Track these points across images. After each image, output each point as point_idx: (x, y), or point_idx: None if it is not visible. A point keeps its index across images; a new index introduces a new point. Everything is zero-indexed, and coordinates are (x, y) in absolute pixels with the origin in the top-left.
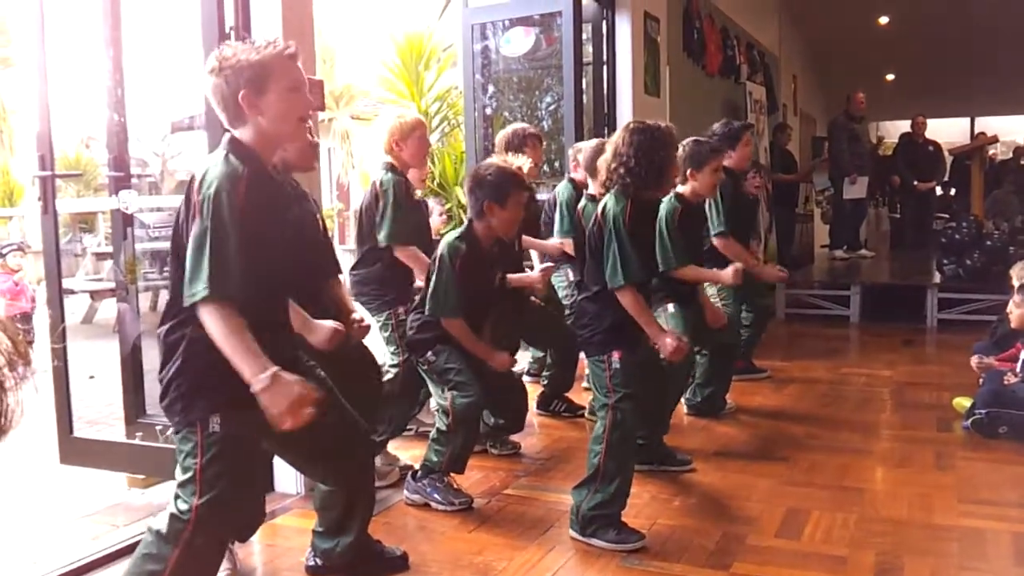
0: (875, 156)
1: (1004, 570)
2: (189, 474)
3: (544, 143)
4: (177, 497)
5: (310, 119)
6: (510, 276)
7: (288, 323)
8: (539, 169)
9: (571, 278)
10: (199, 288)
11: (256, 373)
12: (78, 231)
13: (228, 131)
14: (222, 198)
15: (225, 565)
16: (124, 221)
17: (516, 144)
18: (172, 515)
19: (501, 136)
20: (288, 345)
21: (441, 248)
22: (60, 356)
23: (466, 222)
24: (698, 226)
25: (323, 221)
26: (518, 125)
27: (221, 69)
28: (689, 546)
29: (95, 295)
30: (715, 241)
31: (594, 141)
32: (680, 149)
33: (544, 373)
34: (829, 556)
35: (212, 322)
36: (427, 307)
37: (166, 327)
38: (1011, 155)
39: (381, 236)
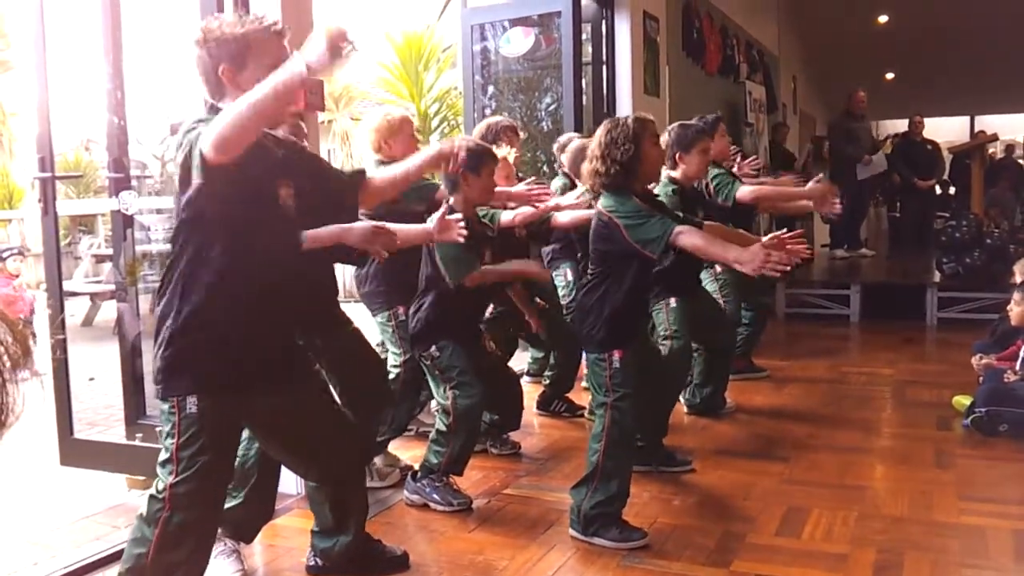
0: (877, 149)
1: (1004, 567)
2: (167, 453)
3: (523, 136)
4: (157, 477)
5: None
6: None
7: (294, 305)
8: (520, 159)
9: (569, 278)
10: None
11: (290, 64)
12: (76, 234)
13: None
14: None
15: (235, 567)
16: (124, 222)
17: (490, 138)
18: (151, 495)
19: (476, 131)
20: (288, 333)
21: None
22: (61, 347)
23: (445, 203)
24: (694, 209)
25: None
26: (492, 119)
27: (205, 41)
28: (689, 545)
29: (95, 297)
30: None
31: (577, 142)
32: (665, 135)
33: (546, 373)
34: (829, 554)
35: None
36: (448, 278)
37: (162, 298)
38: (1004, 153)
39: None
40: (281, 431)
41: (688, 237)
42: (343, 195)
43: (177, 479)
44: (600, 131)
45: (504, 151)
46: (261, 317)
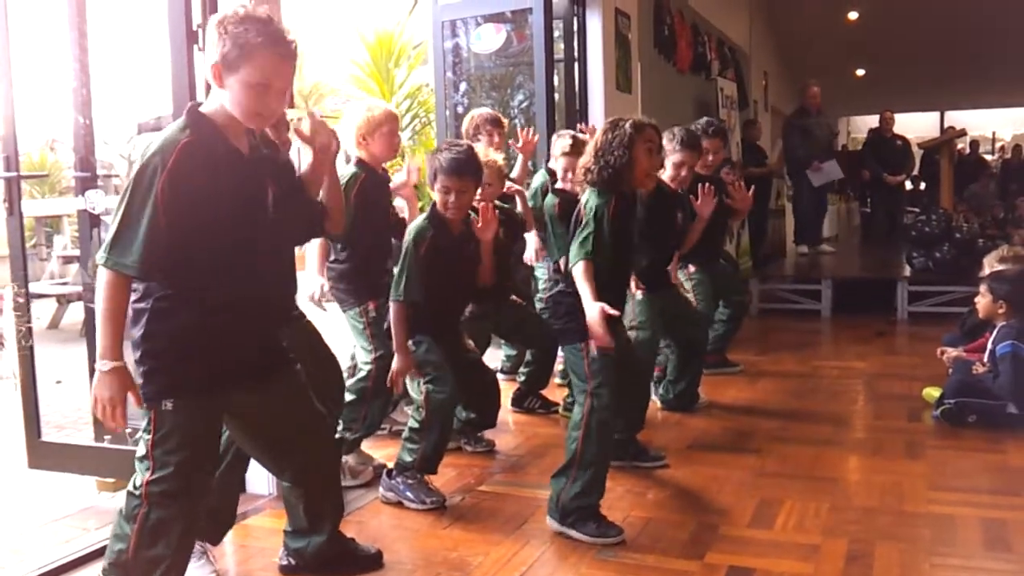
0: (833, 148)
1: (973, 555)
2: (144, 449)
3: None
4: (134, 472)
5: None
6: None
7: (264, 303)
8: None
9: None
10: (100, 252)
11: (102, 356)
12: (42, 235)
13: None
14: (147, 168)
15: (208, 570)
16: (91, 222)
17: (471, 132)
18: (129, 492)
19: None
20: (263, 331)
21: (408, 234)
22: (28, 353)
23: (431, 205)
24: (664, 214)
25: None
26: (475, 111)
27: (219, 28)
28: (662, 537)
29: (62, 299)
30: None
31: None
32: (667, 135)
33: (521, 370)
34: (801, 544)
35: (101, 288)
36: (392, 290)
37: (133, 298)
38: (969, 150)
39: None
40: (258, 429)
41: (582, 267)
42: (313, 211)
43: (153, 476)
44: (600, 129)
45: (495, 155)
46: (233, 316)
